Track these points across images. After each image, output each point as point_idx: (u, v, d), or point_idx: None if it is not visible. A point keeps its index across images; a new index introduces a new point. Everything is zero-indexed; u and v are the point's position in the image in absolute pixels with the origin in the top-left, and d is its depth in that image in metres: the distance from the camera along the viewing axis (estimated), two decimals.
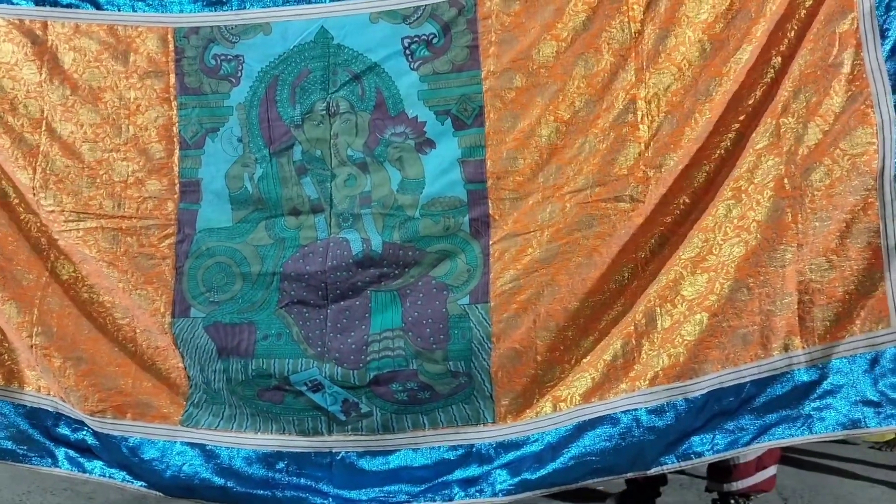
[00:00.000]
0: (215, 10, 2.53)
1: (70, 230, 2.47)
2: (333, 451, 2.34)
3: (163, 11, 2.54)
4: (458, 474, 2.27)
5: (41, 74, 2.51)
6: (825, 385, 2.07)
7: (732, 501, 2.88)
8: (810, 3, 2.13)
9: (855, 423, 2.04)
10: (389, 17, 2.42)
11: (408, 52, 2.41)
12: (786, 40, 2.16)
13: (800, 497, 3.26)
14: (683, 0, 2.25)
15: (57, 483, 3.53)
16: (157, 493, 2.42)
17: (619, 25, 2.29)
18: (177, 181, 2.48)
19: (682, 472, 3.29)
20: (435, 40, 2.40)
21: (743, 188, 2.15)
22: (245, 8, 2.52)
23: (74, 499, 3.46)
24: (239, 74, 2.49)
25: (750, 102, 2.19)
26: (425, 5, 2.40)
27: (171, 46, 2.51)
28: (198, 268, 2.45)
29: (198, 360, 2.41)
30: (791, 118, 2.13)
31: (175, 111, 2.50)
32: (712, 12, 2.21)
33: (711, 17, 2.21)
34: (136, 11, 2.55)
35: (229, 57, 2.50)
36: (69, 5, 2.56)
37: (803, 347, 2.08)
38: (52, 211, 2.47)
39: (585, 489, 3.01)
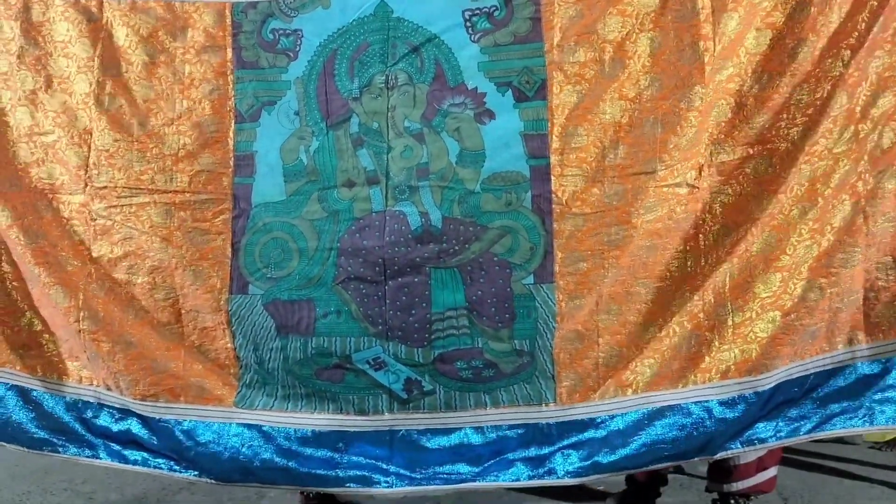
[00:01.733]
0: None
1: (122, 205, 2.44)
2: (394, 428, 2.31)
3: None
4: (521, 453, 2.25)
5: (95, 50, 2.48)
6: (888, 379, 2.12)
7: (732, 502, 2.82)
8: None
9: None
10: None
11: (468, 24, 2.35)
12: (855, 33, 2.12)
13: (800, 497, 3.24)
14: None
15: (57, 483, 3.55)
16: (209, 480, 2.37)
17: (688, 3, 2.23)
18: (231, 155, 2.43)
19: (682, 472, 3.38)
20: (496, 12, 2.34)
21: (820, 191, 2.16)
22: None
23: (74, 499, 3.44)
24: (297, 49, 2.44)
25: (818, 96, 2.15)
26: None
27: (229, 21, 2.47)
28: (255, 243, 2.41)
29: (253, 338, 2.38)
30: (869, 123, 2.12)
31: (231, 85, 2.45)
32: (772, 0, 2.16)
33: (771, 5, 2.17)
34: None
35: (287, 31, 2.45)
36: None
37: (867, 342, 2.15)
38: (105, 187, 2.45)
39: (585, 489, 3.07)
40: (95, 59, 2.47)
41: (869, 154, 2.12)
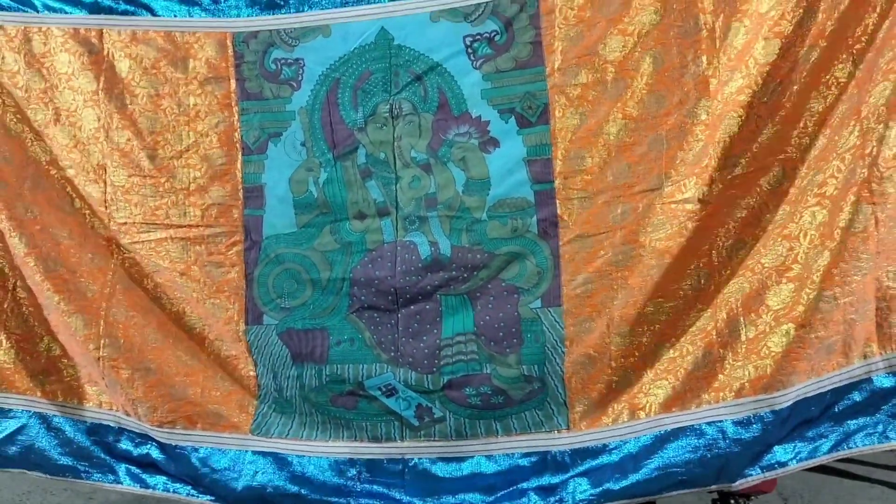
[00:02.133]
0: (273, 14, 2.48)
1: (143, 241, 2.46)
2: (406, 457, 2.32)
3: (220, 16, 2.50)
4: (534, 482, 2.23)
5: (98, 83, 2.48)
6: None
7: (732, 501, 2.77)
8: None
9: None
10: (450, 15, 2.36)
11: (470, 50, 2.35)
12: (864, 37, 2.06)
13: (800, 497, 3.22)
14: None
15: (57, 483, 3.52)
16: None
17: (690, 19, 2.19)
18: (240, 187, 2.45)
19: None
20: (497, 37, 2.33)
21: (828, 194, 2.08)
22: (303, 10, 2.46)
23: (74, 499, 3.45)
24: (300, 78, 2.44)
25: (829, 102, 2.10)
26: (486, 2, 2.33)
27: (231, 51, 2.48)
28: (268, 275, 2.43)
29: (271, 367, 2.41)
30: (872, 119, 2.04)
31: (237, 117, 2.46)
32: (779, 9, 2.10)
33: (778, 14, 2.10)
34: (192, 17, 2.52)
35: (289, 61, 2.46)
36: (125, 12, 2.53)
37: (881, 353, 2.04)
38: (125, 223, 2.47)
39: None
40: (100, 92, 2.48)
41: (875, 152, 2.05)
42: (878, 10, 2.05)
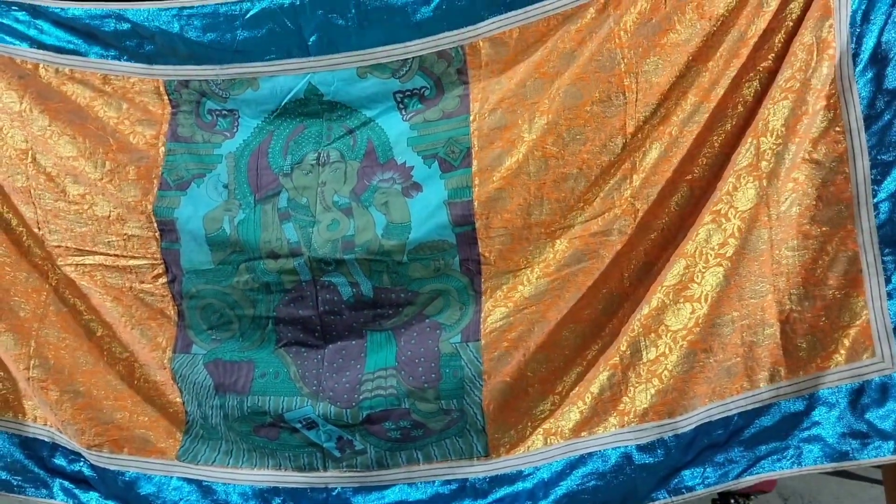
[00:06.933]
0: (197, 65, 2.50)
1: (76, 265, 2.45)
2: (329, 486, 2.35)
3: (148, 64, 2.52)
4: None
5: (21, 104, 2.47)
6: (813, 416, 2.01)
7: (732, 501, 2.80)
8: (797, 13, 2.02)
9: (843, 455, 1.98)
10: (378, 70, 2.41)
11: (400, 105, 2.41)
12: (772, 55, 2.04)
13: (800, 497, 3.15)
14: (674, 26, 2.13)
15: None
16: None
17: (608, 53, 2.18)
18: (153, 219, 2.43)
19: None
20: (427, 92, 2.39)
21: (722, 212, 2.05)
22: (226, 63, 2.47)
23: None
24: (234, 129, 2.49)
25: (734, 121, 2.08)
26: (413, 58, 2.39)
27: (167, 98, 2.50)
28: (194, 308, 2.44)
29: (195, 395, 2.41)
30: (770, 137, 2.01)
31: (161, 157, 2.47)
32: (702, 36, 2.09)
33: (702, 42, 2.09)
34: (121, 61, 2.53)
35: (224, 112, 2.49)
36: (60, 49, 2.52)
37: (789, 378, 2.02)
38: (58, 246, 2.46)
39: None
40: (24, 113, 2.46)
41: (774, 172, 2.01)
42: (784, 29, 2.03)
